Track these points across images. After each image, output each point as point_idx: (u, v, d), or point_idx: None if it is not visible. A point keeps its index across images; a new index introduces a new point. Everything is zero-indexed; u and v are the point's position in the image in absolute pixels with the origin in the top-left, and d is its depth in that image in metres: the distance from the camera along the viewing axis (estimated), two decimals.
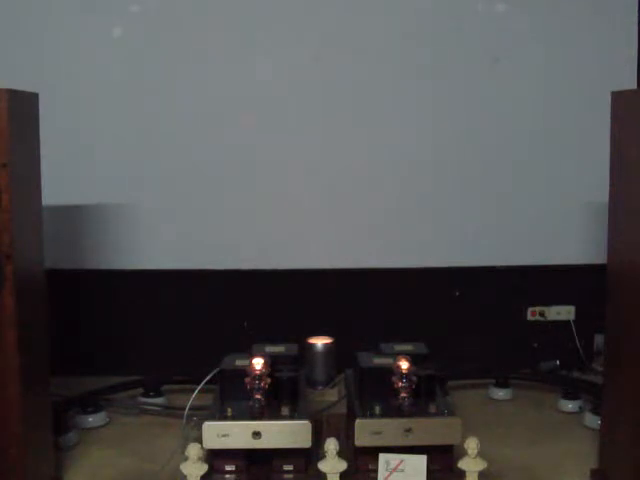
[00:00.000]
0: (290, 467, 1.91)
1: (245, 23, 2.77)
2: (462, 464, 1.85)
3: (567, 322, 2.90)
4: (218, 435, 1.85)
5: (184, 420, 2.23)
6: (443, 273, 2.86)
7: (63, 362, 2.29)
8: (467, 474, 1.85)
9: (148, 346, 2.84)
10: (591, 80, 2.75)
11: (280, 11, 2.77)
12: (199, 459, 1.83)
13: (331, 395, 2.55)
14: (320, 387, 2.61)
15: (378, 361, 2.03)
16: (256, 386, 1.87)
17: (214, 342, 2.58)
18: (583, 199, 2.81)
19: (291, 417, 1.88)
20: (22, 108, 1.80)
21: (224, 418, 1.87)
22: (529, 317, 2.91)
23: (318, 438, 2.00)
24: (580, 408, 2.50)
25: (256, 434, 1.85)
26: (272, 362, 1.97)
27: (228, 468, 1.90)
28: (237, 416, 1.88)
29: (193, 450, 1.83)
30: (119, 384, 2.62)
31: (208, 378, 2.19)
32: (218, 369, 2.05)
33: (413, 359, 1.94)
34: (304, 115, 2.81)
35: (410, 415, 1.86)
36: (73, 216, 2.78)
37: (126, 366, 2.78)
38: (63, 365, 2.30)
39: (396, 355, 1.98)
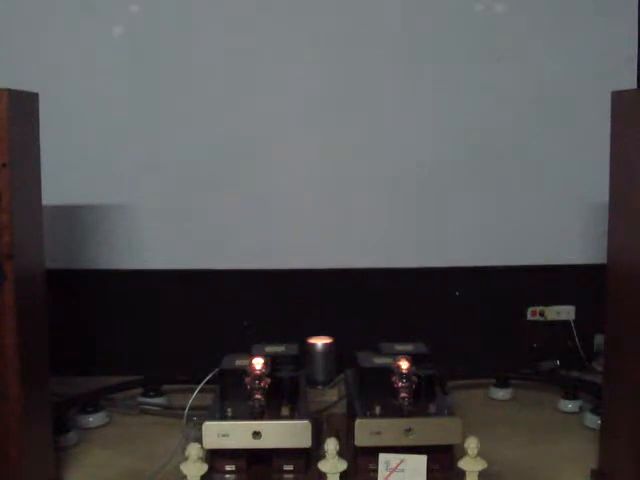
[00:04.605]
0: (290, 467, 1.91)
1: (245, 23, 2.77)
2: (462, 464, 1.85)
3: (567, 322, 2.90)
4: (218, 435, 1.85)
5: (184, 420, 2.23)
6: (443, 273, 2.86)
7: (63, 362, 2.28)
8: (467, 474, 1.85)
9: (148, 346, 2.84)
10: (591, 80, 2.75)
11: (280, 11, 2.77)
12: (199, 459, 1.83)
13: (331, 395, 2.55)
14: (320, 387, 2.61)
15: (378, 361, 2.04)
16: (256, 386, 1.87)
17: (214, 342, 2.58)
18: (583, 199, 2.81)
19: (291, 417, 1.88)
20: (22, 108, 1.80)
21: (224, 418, 1.87)
22: (529, 317, 2.91)
23: (318, 438, 2.01)
24: (580, 408, 2.50)
25: (256, 434, 1.85)
26: (272, 362, 1.97)
27: (228, 468, 1.90)
28: (237, 416, 1.88)
29: (193, 450, 1.83)
30: (119, 384, 2.62)
31: (208, 378, 2.19)
32: (218, 369, 2.05)
33: (413, 359, 1.94)
34: (304, 115, 2.81)
35: (410, 415, 1.86)
36: (73, 216, 2.78)
37: (126, 366, 2.78)
38: (63, 365, 2.29)
39: (396, 355, 1.98)
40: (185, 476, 1.84)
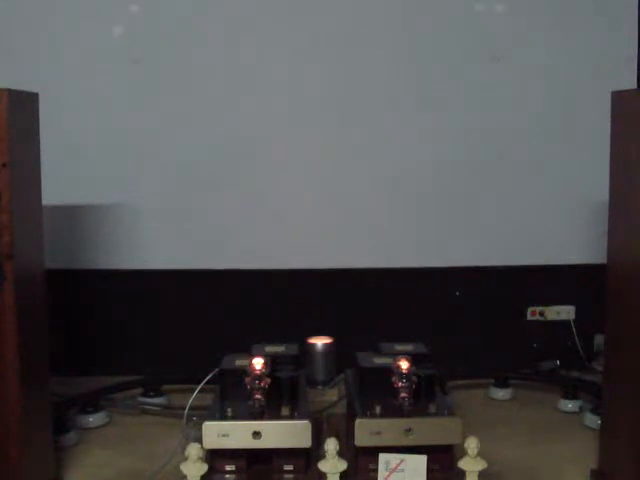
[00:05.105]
0: (290, 467, 1.91)
1: (245, 23, 2.77)
2: (462, 464, 1.85)
3: (567, 322, 2.90)
4: (218, 435, 1.85)
5: (184, 420, 2.23)
6: (443, 273, 2.86)
7: (63, 362, 2.29)
8: (467, 474, 1.85)
9: (148, 346, 2.84)
10: (591, 80, 2.75)
11: (280, 11, 2.77)
12: (199, 459, 1.83)
13: (331, 395, 2.55)
14: (320, 387, 2.61)
15: (378, 361, 2.03)
16: (256, 386, 1.87)
17: (214, 342, 2.58)
18: (583, 199, 2.81)
19: (291, 417, 1.88)
20: (22, 108, 1.80)
21: (224, 418, 1.87)
22: (529, 317, 2.91)
23: (318, 438, 2.01)
24: (580, 408, 2.50)
25: (256, 434, 1.85)
26: (272, 362, 1.97)
27: (228, 468, 1.90)
28: (237, 416, 1.88)
29: (193, 450, 1.83)
30: (119, 384, 2.62)
31: (208, 378, 2.19)
32: (218, 369, 2.05)
33: (413, 359, 1.94)
34: (304, 115, 2.81)
35: (410, 415, 1.86)
36: (73, 216, 2.78)
37: (126, 366, 2.78)
38: (63, 365, 2.30)
39: (396, 355, 1.98)
40: (185, 476, 1.84)
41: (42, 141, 1.93)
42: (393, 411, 1.88)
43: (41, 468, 1.92)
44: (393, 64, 2.80)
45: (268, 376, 1.90)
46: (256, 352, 2.05)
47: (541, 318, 2.91)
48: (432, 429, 1.86)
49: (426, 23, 2.80)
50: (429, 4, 2.79)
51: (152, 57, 2.76)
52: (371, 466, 1.88)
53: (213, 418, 1.88)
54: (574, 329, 2.89)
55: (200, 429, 1.87)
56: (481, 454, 1.84)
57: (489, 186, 2.85)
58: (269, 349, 2.12)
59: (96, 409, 2.44)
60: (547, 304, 2.91)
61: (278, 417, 1.88)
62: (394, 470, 1.86)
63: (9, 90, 1.70)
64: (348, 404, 2.14)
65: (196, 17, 2.77)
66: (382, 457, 1.86)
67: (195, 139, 2.79)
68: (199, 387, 2.21)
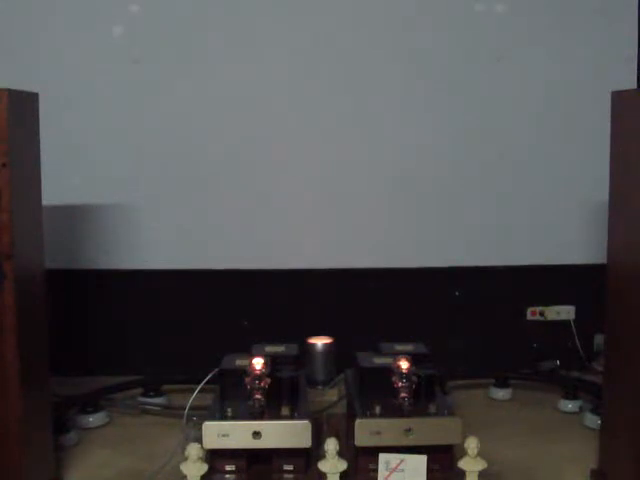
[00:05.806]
0: (290, 467, 1.91)
1: (245, 23, 2.77)
2: (462, 464, 1.85)
3: (567, 322, 2.90)
4: (218, 435, 1.85)
5: (184, 420, 2.23)
6: (443, 273, 2.86)
7: (63, 362, 2.29)
8: (467, 474, 1.85)
9: (148, 346, 2.84)
10: (591, 80, 2.75)
11: (280, 11, 2.77)
12: (199, 459, 1.83)
13: (331, 395, 2.55)
14: (320, 387, 2.61)
15: (378, 361, 2.03)
16: (256, 386, 1.87)
17: (214, 342, 2.58)
18: (583, 199, 2.81)
19: (291, 417, 1.88)
20: (22, 108, 1.80)
21: (224, 418, 1.87)
22: (529, 317, 2.91)
23: (318, 438, 2.01)
24: (580, 408, 2.50)
25: (256, 434, 1.85)
26: (272, 362, 1.97)
27: (228, 468, 1.90)
28: (237, 416, 1.88)
29: (193, 450, 1.83)
30: (119, 384, 2.61)
31: (208, 378, 2.19)
32: (218, 369, 2.05)
33: (413, 359, 1.94)
34: (304, 114, 2.81)
35: (410, 415, 1.86)
36: (73, 216, 2.78)
37: (126, 366, 2.78)
38: (63, 365, 2.30)
39: (396, 355, 1.98)
40: (185, 476, 1.84)
41: (42, 141, 1.93)
42: (393, 411, 1.88)
43: (41, 468, 1.92)
44: (393, 64, 2.80)
45: (268, 376, 1.90)
46: (256, 352, 2.05)
47: (541, 318, 2.91)
48: (432, 429, 1.86)
49: (426, 23, 2.80)
50: (429, 4, 2.79)
51: (152, 57, 2.77)
52: (371, 466, 1.88)
53: (213, 418, 1.88)
54: (574, 329, 2.89)
55: (200, 429, 1.87)
56: (481, 454, 1.84)
57: (489, 186, 2.85)
58: (269, 349, 2.12)
59: (96, 409, 2.44)
60: (547, 304, 2.91)
61: (278, 417, 1.88)
62: (394, 470, 1.86)
63: (9, 90, 1.70)
64: (348, 404, 2.14)
65: (196, 17, 2.77)
66: (382, 457, 1.86)
67: (195, 139, 2.79)
68: (199, 387, 2.21)
